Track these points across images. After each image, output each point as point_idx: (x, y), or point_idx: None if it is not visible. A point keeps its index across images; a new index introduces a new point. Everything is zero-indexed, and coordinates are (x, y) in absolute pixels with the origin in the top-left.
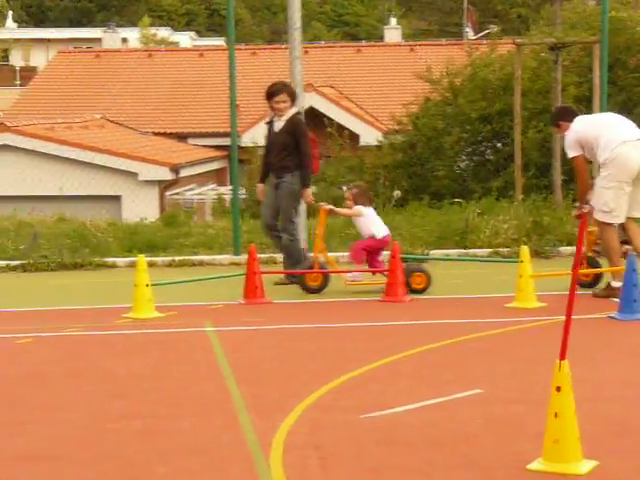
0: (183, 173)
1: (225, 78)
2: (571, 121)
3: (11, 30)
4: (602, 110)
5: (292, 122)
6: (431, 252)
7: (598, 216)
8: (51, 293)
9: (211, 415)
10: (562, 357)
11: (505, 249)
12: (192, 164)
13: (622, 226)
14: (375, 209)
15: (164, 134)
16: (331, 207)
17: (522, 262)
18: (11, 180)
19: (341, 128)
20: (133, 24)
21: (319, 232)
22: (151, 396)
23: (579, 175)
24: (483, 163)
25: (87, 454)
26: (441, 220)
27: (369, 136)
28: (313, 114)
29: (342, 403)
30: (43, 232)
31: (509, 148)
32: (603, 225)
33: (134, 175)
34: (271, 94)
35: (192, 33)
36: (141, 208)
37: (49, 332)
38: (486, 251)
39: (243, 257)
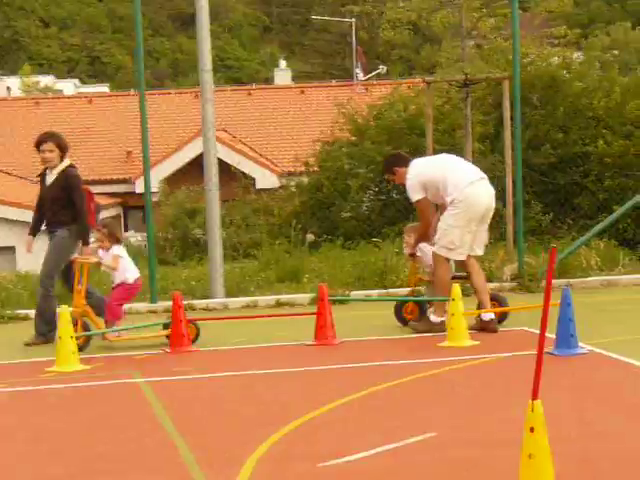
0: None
1: (113, 124)
2: (406, 166)
3: None
4: (514, 147)
5: (64, 175)
6: (352, 293)
7: (441, 252)
8: None
9: (162, 471)
10: (534, 397)
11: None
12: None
13: (462, 262)
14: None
15: None
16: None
17: (453, 300)
18: None
19: (236, 172)
20: (13, 72)
21: (80, 288)
22: (91, 453)
23: (423, 216)
24: (390, 203)
25: None
26: (358, 261)
27: (265, 179)
28: None
29: (295, 452)
30: None
31: None
32: (440, 260)
33: (28, 225)
34: (38, 143)
35: (76, 80)
36: (37, 258)
37: None
38: (406, 290)
39: (160, 305)
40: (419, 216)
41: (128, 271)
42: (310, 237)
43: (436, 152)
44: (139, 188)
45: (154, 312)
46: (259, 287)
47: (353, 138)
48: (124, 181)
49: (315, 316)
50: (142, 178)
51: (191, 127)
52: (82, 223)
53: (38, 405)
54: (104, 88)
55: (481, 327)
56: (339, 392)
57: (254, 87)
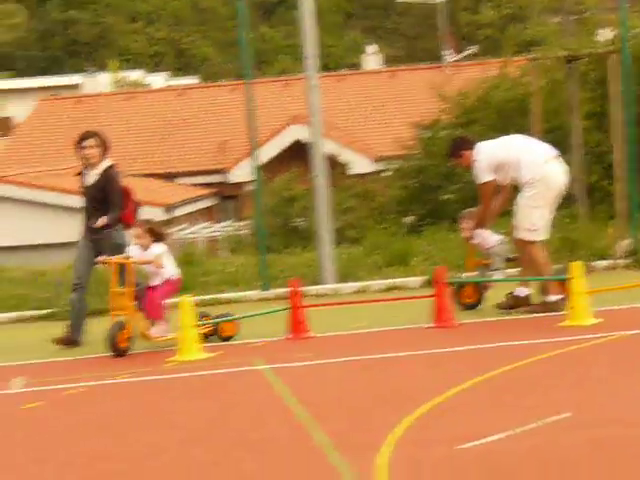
0: (176, 212)
1: (205, 115)
2: (472, 149)
3: None
4: (623, 125)
5: (105, 176)
6: (464, 275)
7: (523, 235)
8: (86, 340)
9: (299, 456)
10: None
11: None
12: (184, 203)
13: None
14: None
15: (152, 175)
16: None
17: (573, 278)
18: (6, 231)
19: (330, 158)
20: (102, 69)
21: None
22: (228, 440)
23: (486, 200)
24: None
25: None
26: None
27: (359, 164)
28: (298, 146)
29: (431, 436)
30: (63, 280)
31: None
32: (527, 243)
33: None
34: (80, 139)
35: (165, 73)
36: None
37: (97, 381)
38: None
39: (272, 292)
40: (481, 198)
41: (172, 268)
42: (409, 219)
43: (544, 132)
44: (233, 178)
45: (266, 300)
46: (368, 272)
47: (454, 120)
48: (218, 171)
49: (433, 299)
50: (236, 167)
51: (282, 116)
52: (113, 217)
53: (168, 394)
54: (194, 80)
55: (547, 308)
56: (466, 374)
57: (344, 72)
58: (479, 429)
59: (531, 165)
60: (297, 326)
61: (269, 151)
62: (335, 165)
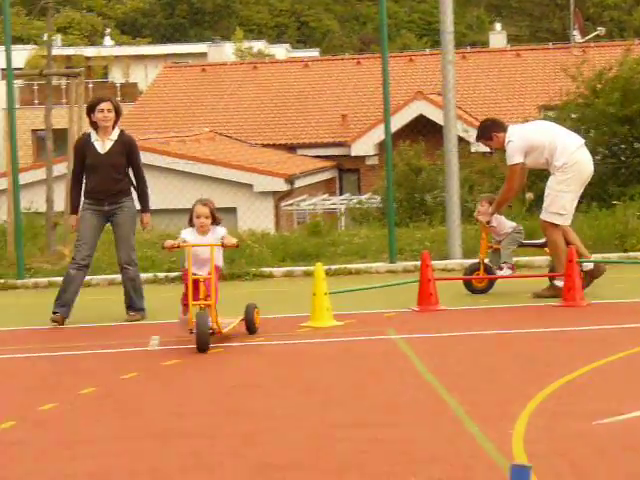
0: (297, 184)
1: (328, 88)
2: (505, 131)
3: (109, 47)
4: None
5: (126, 141)
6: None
7: (553, 219)
8: None
9: (437, 424)
10: None
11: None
12: (305, 175)
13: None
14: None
15: (273, 146)
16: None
17: None
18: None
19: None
20: (225, 38)
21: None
22: (364, 405)
23: (512, 182)
24: (623, 166)
25: (327, 463)
26: (594, 224)
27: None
28: (422, 121)
29: (566, 409)
30: None
31: None
32: (553, 227)
33: (249, 187)
34: (94, 104)
35: (287, 45)
36: (255, 219)
37: (235, 342)
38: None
39: (399, 265)
40: (508, 180)
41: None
42: (530, 196)
43: None
44: (355, 151)
45: (393, 272)
46: None
47: (580, 100)
48: (339, 144)
49: (563, 278)
50: (358, 141)
51: (405, 90)
52: (147, 190)
53: (304, 358)
54: (315, 52)
55: (555, 293)
56: (600, 352)
57: (469, 50)
58: (616, 406)
59: (565, 150)
60: (427, 298)
61: (392, 126)
62: (459, 141)
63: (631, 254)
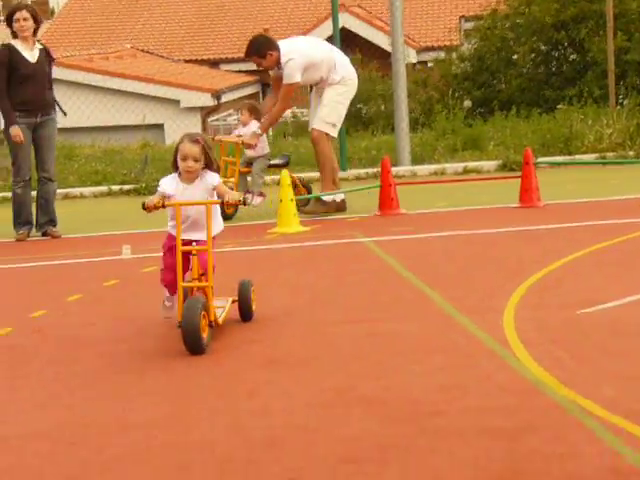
0: (223, 99)
1: (248, 2)
2: (278, 50)
3: None
4: None
5: (47, 49)
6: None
7: (326, 128)
8: None
9: (426, 317)
10: None
11: (611, 153)
12: (230, 90)
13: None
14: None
15: (196, 61)
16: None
17: None
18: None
19: (374, 47)
20: None
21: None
22: (351, 303)
23: (288, 101)
24: (556, 72)
25: (330, 357)
26: (537, 128)
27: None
28: (345, 34)
29: (549, 301)
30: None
31: (583, 56)
32: (324, 137)
33: (176, 102)
34: (10, 13)
35: None
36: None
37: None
38: (591, 156)
39: (350, 172)
40: (284, 98)
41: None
42: (467, 104)
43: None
44: None
45: (345, 179)
46: (442, 155)
47: (505, 8)
48: None
49: (520, 179)
50: None
51: (327, 3)
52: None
53: (279, 262)
54: None
55: (337, 208)
56: (567, 249)
57: None
58: (595, 296)
59: (343, 64)
60: (388, 203)
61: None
62: (383, 55)
63: (576, 156)
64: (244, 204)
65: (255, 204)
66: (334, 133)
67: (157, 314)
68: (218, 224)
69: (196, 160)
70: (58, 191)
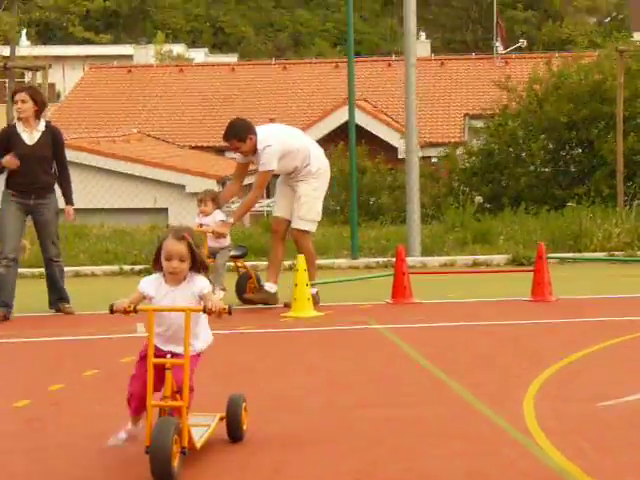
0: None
1: (256, 92)
2: (256, 134)
3: (26, 48)
4: None
5: (54, 132)
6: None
7: (309, 227)
8: None
9: (445, 404)
10: None
11: (619, 252)
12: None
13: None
14: None
15: (201, 147)
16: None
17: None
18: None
19: (379, 141)
20: (136, 41)
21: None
22: (369, 388)
23: (261, 189)
24: (566, 170)
25: (349, 439)
26: (546, 225)
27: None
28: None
29: (569, 394)
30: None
31: (592, 155)
32: (305, 235)
33: (181, 187)
34: (12, 95)
35: (205, 49)
36: (188, 220)
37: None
38: (600, 254)
39: (361, 261)
40: (259, 187)
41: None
42: (479, 199)
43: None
44: None
45: (355, 268)
46: (452, 248)
47: (526, 106)
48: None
49: (532, 273)
50: None
51: (332, 97)
52: (70, 183)
53: (295, 345)
54: (233, 58)
55: (265, 298)
56: (584, 342)
57: (393, 58)
58: (612, 390)
59: (318, 155)
60: (402, 291)
61: (320, 131)
62: (388, 148)
63: (585, 254)
64: (229, 313)
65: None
66: (314, 229)
67: None
68: (205, 336)
69: (182, 260)
70: (69, 269)
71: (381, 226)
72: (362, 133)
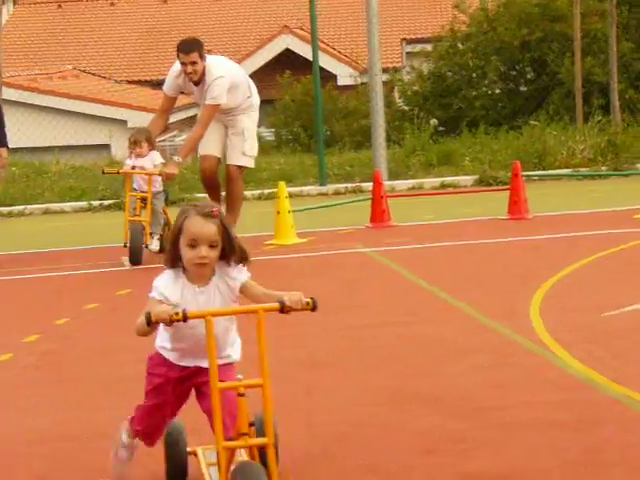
0: (171, 119)
1: (190, 24)
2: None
3: None
4: None
5: None
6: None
7: (249, 162)
8: None
9: (454, 321)
10: None
11: (584, 169)
12: (176, 110)
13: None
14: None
15: (138, 82)
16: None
17: None
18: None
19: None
20: None
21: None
22: (372, 309)
23: (207, 123)
24: (518, 91)
25: (365, 359)
26: (509, 145)
27: (345, 76)
28: (289, 56)
29: (571, 305)
30: None
31: (547, 77)
32: (242, 174)
33: (123, 122)
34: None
35: None
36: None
37: None
38: (565, 171)
39: (330, 187)
40: (205, 120)
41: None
42: (434, 122)
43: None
44: None
45: (324, 194)
46: (417, 171)
47: (465, 28)
48: None
49: (508, 192)
50: None
51: (262, 26)
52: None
53: (285, 272)
54: None
55: None
56: (570, 257)
57: None
58: (613, 300)
59: (254, 88)
60: (380, 215)
61: (258, 60)
62: (328, 77)
63: (551, 171)
64: (313, 309)
65: (155, 249)
66: (252, 165)
67: None
68: (239, 344)
69: (212, 246)
70: (37, 207)
71: (340, 153)
72: (299, 61)
